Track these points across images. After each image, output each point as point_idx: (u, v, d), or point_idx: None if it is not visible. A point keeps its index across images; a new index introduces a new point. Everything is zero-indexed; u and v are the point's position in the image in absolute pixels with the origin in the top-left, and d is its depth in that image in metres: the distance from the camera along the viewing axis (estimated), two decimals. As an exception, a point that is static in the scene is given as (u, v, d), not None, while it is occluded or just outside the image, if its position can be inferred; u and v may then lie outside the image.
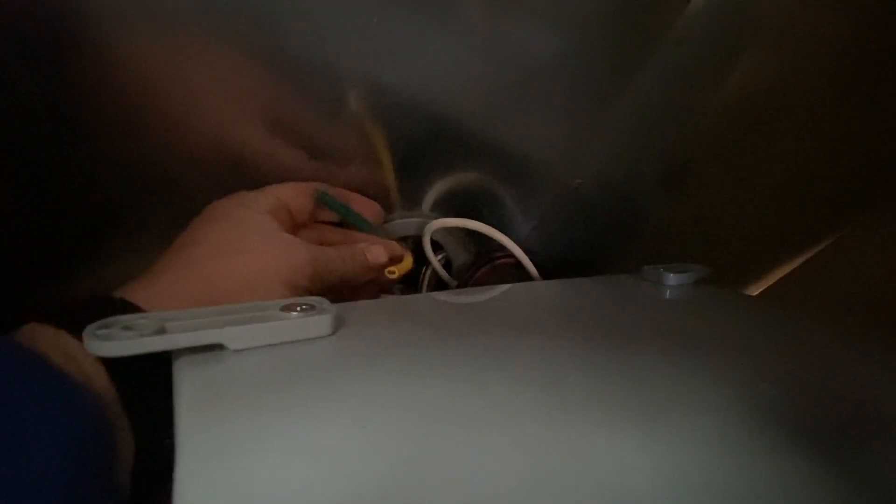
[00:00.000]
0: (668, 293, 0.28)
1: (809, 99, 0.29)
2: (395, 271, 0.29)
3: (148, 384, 0.16)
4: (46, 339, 0.15)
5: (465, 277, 0.34)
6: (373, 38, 0.22)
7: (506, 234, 0.32)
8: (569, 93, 0.27)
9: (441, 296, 0.26)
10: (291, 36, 0.22)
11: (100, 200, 0.25)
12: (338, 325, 0.18)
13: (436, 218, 0.32)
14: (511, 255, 0.33)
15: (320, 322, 0.17)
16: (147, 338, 0.15)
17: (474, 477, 0.12)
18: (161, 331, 0.15)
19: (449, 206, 0.32)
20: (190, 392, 0.14)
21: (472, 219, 0.32)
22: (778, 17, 0.25)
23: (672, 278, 0.28)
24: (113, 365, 0.16)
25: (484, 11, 0.23)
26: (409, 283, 0.34)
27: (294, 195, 0.25)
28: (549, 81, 0.26)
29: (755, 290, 0.40)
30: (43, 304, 0.25)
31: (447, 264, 0.35)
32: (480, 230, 0.32)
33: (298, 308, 0.17)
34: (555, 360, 0.18)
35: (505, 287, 0.28)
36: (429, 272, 0.34)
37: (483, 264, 0.34)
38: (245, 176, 0.25)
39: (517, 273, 0.33)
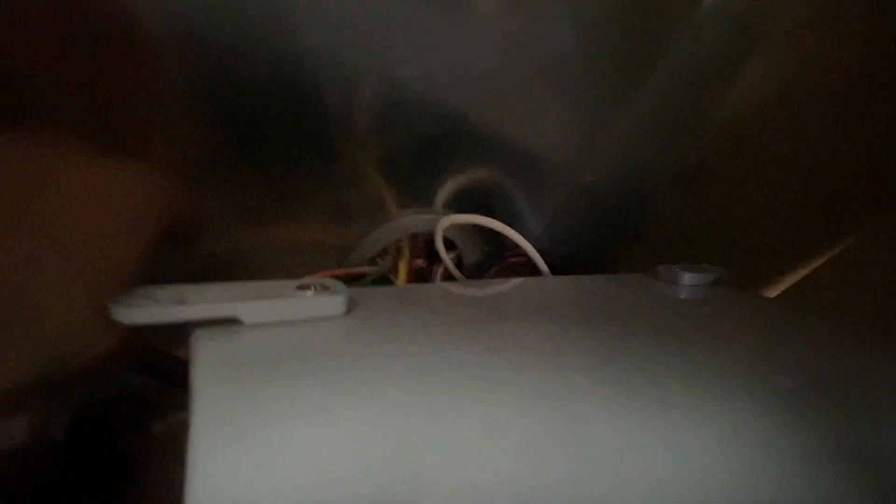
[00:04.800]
0: (683, 293, 0.27)
1: (825, 98, 0.29)
2: None
3: None
4: None
5: (477, 276, 0.34)
6: (386, 32, 0.23)
7: (518, 231, 0.32)
8: (582, 90, 0.28)
9: (453, 287, 0.26)
10: (306, 31, 0.22)
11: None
12: (350, 306, 0.19)
13: (448, 214, 0.32)
14: (523, 254, 0.33)
15: (334, 302, 0.18)
16: (167, 307, 0.15)
17: (481, 460, 0.12)
18: (181, 302, 0.16)
19: (462, 203, 0.33)
20: (205, 362, 0.15)
21: (485, 216, 0.32)
22: (792, 16, 0.25)
23: (687, 278, 0.28)
24: None
25: (499, 8, 0.23)
26: (421, 280, 0.35)
27: None
28: (562, 78, 0.27)
29: (773, 292, 0.39)
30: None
31: (459, 262, 0.35)
32: (493, 227, 0.32)
33: (313, 288, 0.18)
34: (567, 352, 0.18)
35: (517, 280, 0.28)
36: (441, 269, 0.34)
37: (495, 262, 0.34)
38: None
39: (529, 272, 0.33)
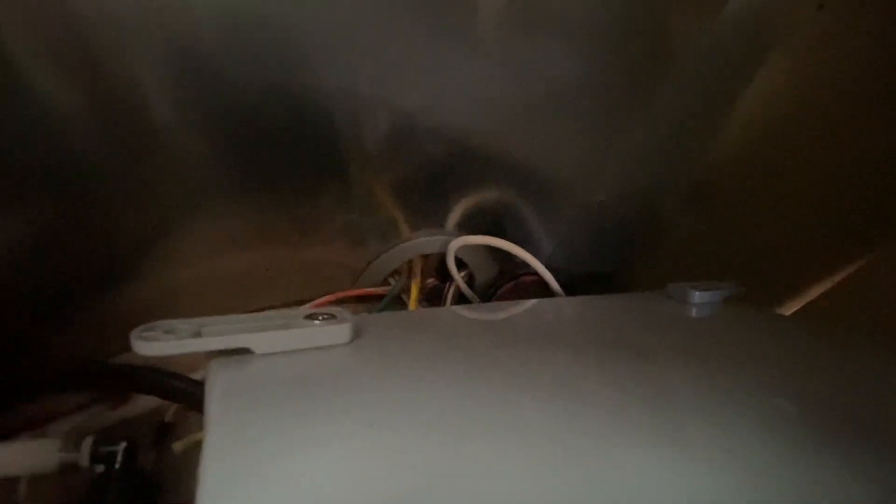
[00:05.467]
0: (693, 311, 0.27)
1: (839, 112, 0.28)
2: None
3: None
4: None
5: (489, 294, 0.34)
6: (397, 64, 0.24)
7: (529, 251, 0.33)
8: (590, 110, 0.28)
9: (462, 310, 0.27)
10: (319, 65, 0.23)
11: (155, 210, 0.27)
12: (356, 333, 0.19)
13: (460, 235, 0.33)
14: (535, 273, 0.33)
15: (340, 330, 0.19)
16: (185, 340, 0.16)
17: (489, 488, 0.12)
18: (197, 334, 0.17)
19: (473, 223, 0.33)
20: (219, 389, 0.16)
21: (496, 236, 0.33)
22: (802, 31, 0.25)
23: (698, 296, 0.28)
24: None
25: (504, 31, 0.24)
26: (433, 300, 0.35)
27: None
28: (569, 99, 0.27)
29: (792, 309, 0.38)
30: (108, 307, 0.27)
31: (470, 280, 0.35)
32: (504, 247, 0.33)
33: (320, 317, 0.19)
34: (577, 375, 0.18)
35: (527, 302, 0.28)
36: (452, 289, 0.35)
37: (506, 281, 0.34)
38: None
39: (541, 290, 0.34)
